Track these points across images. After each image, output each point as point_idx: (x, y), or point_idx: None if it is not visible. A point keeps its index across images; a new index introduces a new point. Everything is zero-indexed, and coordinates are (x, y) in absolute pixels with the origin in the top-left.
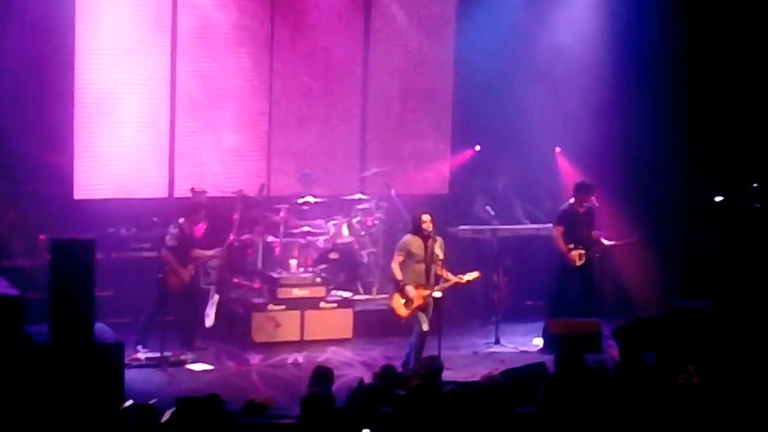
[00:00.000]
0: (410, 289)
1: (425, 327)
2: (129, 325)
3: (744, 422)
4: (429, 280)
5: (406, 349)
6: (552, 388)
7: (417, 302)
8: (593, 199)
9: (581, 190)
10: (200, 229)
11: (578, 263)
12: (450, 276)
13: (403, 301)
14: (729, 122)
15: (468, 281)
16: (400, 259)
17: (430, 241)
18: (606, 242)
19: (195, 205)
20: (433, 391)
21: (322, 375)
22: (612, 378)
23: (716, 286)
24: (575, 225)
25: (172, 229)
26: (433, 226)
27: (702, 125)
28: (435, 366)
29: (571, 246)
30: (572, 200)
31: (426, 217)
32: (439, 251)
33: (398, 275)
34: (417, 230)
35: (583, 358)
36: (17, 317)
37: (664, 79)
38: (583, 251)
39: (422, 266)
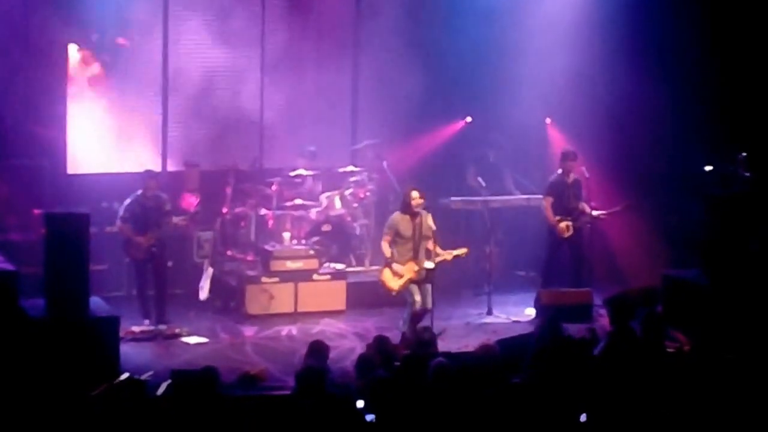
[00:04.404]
0: (397, 267)
1: (417, 298)
2: (124, 298)
3: (734, 390)
4: (418, 256)
5: (400, 320)
6: (534, 360)
7: (407, 275)
8: (583, 169)
9: (563, 157)
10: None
11: (566, 234)
12: (438, 251)
13: (393, 275)
14: (720, 90)
15: (455, 257)
16: (389, 238)
17: (418, 218)
18: (595, 213)
19: (148, 176)
20: (423, 363)
21: (318, 349)
22: (602, 347)
23: (707, 256)
24: (563, 196)
25: (126, 201)
26: (423, 202)
27: (693, 93)
28: (426, 337)
29: (559, 217)
30: (560, 171)
31: (415, 194)
32: (428, 227)
33: (387, 253)
34: (405, 207)
35: (562, 329)
36: (12, 292)
37: (655, 47)
38: (570, 222)
39: (410, 244)
